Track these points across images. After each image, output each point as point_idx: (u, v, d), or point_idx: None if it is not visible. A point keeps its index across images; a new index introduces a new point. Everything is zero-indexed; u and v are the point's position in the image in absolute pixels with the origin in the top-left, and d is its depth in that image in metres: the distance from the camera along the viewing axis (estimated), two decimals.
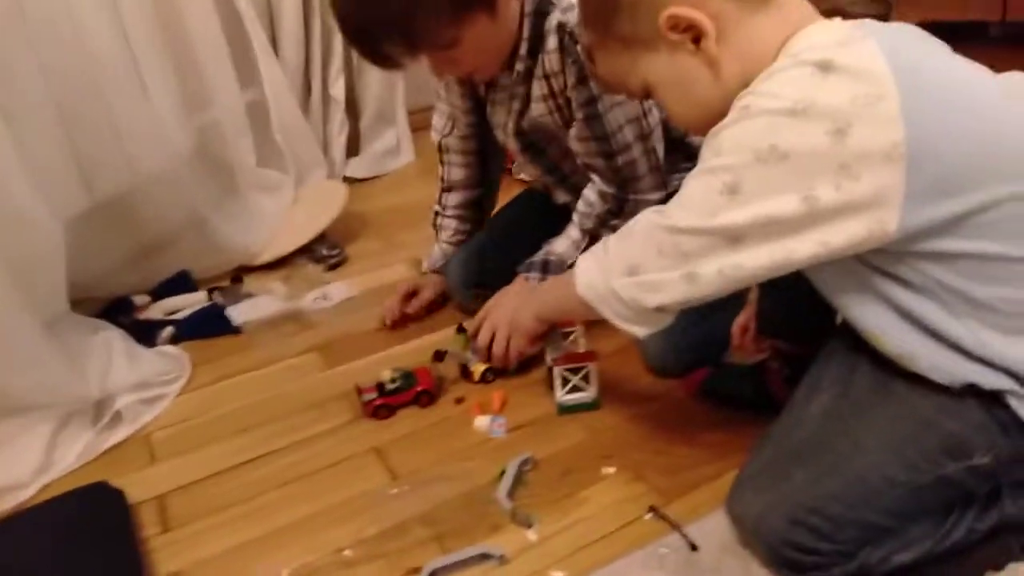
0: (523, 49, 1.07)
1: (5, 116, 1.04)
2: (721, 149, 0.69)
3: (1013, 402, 0.71)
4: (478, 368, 1.13)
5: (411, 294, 1.32)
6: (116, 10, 1.29)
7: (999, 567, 0.78)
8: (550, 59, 1.06)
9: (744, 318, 1.02)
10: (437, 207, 1.37)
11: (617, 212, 1.13)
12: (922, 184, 0.64)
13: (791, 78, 0.66)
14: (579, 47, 1.01)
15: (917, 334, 0.72)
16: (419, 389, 1.10)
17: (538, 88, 1.09)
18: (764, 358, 1.04)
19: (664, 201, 0.78)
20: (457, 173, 1.33)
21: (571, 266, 1.12)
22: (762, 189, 0.67)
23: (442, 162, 1.35)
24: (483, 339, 1.10)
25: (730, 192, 0.68)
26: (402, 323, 1.31)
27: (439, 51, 1.00)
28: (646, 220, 0.78)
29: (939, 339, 0.71)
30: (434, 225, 1.37)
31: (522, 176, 1.65)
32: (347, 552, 0.89)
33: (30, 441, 1.06)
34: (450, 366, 1.18)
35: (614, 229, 1.11)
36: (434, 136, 1.34)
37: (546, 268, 1.15)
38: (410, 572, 0.85)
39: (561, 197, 1.29)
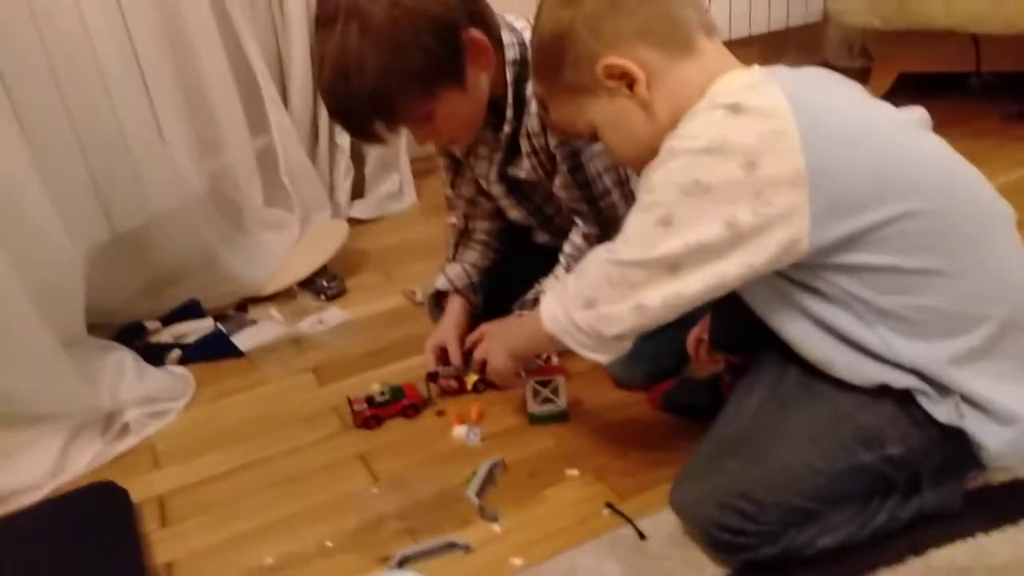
0: (509, 114, 1.15)
1: (35, 151, 1.18)
2: (653, 187, 0.79)
3: (922, 399, 0.78)
4: (471, 378, 1.22)
5: (442, 350, 1.27)
6: (137, 60, 1.43)
7: (919, 553, 0.84)
8: (532, 121, 1.14)
9: (698, 331, 1.10)
10: (455, 235, 1.39)
11: None
12: (824, 204, 0.73)
13: (707, 120, 0.76)
14: (533, 97, 1.11)
15: (832, 341, 0.80)
16: (406, 403, 1.19)
17: (524, 146, 1.18)
18: (720, 371, 1.12)
19: None
20: (487, 205, 1.36)
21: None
22: (691, 219, 0.76)
23: (454, 207, 1.39)
24: (478, 357, 1.13)
25: (664, 224, 0.77)
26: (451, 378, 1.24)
27: (416, 125, 1.09)
28: (597, 257, 0.85)
29: (852, 345, 0.79)
30: (455, 247, 1.39)
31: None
32: (328, 543, 0.97)
33: (44, 448, 1.15)
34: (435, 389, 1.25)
35: None
36: (447, 192, 1.39)
37: (537, 304, 1.23)
38: (383, 559, 0.93)
39: (541, 237, 1.38)
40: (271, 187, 1.82)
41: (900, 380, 0.78)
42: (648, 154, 0.82)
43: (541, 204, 1.30)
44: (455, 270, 1.35)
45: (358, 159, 2.14)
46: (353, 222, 1.98)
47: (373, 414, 1.18)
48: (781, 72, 0.82)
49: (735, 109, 0.74)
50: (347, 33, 0.97)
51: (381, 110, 1.03)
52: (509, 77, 1.13)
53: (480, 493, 1.01)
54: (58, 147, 1.28)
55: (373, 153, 2.15)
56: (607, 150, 0.91)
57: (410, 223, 2.11)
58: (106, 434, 1.21)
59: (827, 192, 0.73)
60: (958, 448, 0.79)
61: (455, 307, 1.32)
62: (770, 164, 0.73)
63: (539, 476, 1.05)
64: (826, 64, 0.85)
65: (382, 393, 1.19)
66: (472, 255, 1.37)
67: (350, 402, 1.20)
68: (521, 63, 1.12)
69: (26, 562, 0.93)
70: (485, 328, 1.14)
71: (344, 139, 2.05)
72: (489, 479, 1.04)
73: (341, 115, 1.07)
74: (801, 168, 0.72)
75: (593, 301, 0.84)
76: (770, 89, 0.76)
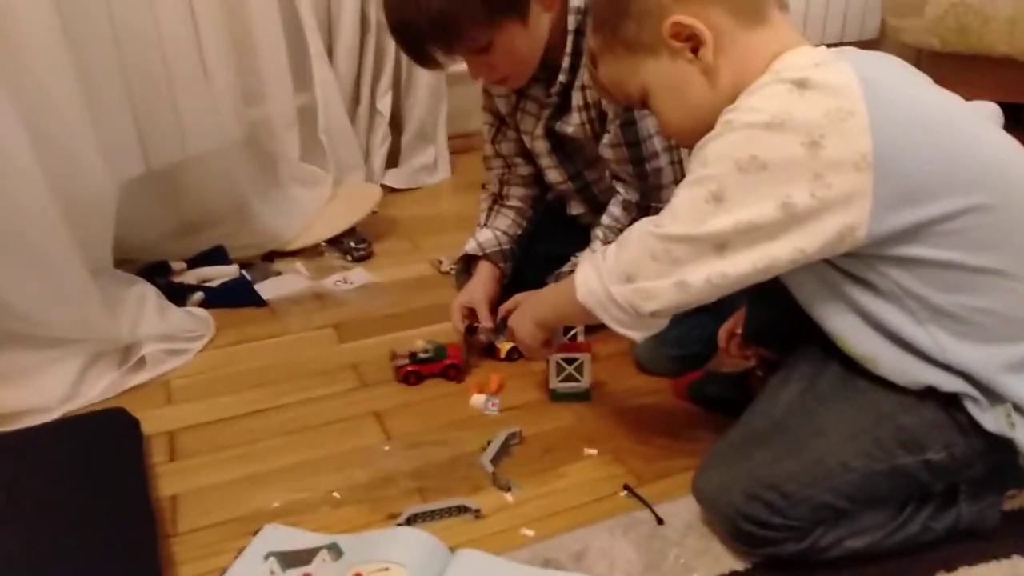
0: (566, 63, 1.14)
1: (81, 77, 1.16)
2: (707, 160, 0.74)
3: (970, 405, 0.74)
4: (504, 346, 1.20)
5: (471, 311, 1.25)
6: (190, 2, 1.42)
7: (951, 569, 0.81)
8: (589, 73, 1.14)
9: (731, 324, 1.06)
10: (488, 201, 1.38)
11: None
12: (888, 192, 0.69)
13: (771, 94, 0.72)
14: (585, 52, 1.08)
15: (880, 339, 0.76)
16: (448, 362, 1.17)
17: (577, 99, 1.17)
18: (751, 366, 1.08)
19: None
20: (524, 169, 1.35)
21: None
22: (744, 197, 0.72)
23: (490, 168, 1.38)
24: (512, 324, 1.09)
25: (715, 200, 0.73)
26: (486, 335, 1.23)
27: (474, 54, 1.09)
28: (640, 229, 0.81)
29: (901, 343, 0.75)
30: (488, 212, 1.37)
31: None
32: (336, 494, 0.95)
33: (60, 372, 1.15)
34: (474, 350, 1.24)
35: None
36: (486, 148, 1.37)
37: None
38: (391, 516, 0.91)
39: (575, 208, 1.36)
40: (308, 143, 1.80)
41: (949, 383, 0.75)
42: (700, 125, 0.78)
43: (582, 168, 1.28)
44: (486, 235, 1.33)
45: (396, 128, 2.13)
46: (385, 189, 1.96)
47: (414, 369, 1.16)
48: (852, 52, 0.78)
49: (802, 84, 0.70)
50: None
51: (443, 30, 1.03)
52: (571, 25, 1.11)
53: (494, 461, 0.99)
54: (102, 73, 1.27)
55: (412, 124, 2.14)
56: (656, 117, 0.86)
57: (442, 197, 2.09)
58: (122, 365, 1.20)
59: (893, 179, 0.69)
60: (1003, 460, 0.76)
61: (484, 270, 1.30)
62: (834, 145, 0.69)
63: (555, 452, 1.02)
64: None
65: (425, 350, 1.17)
66: (504, 222, 1.35)
67: (393, 356, 1.19)
68: (585, 12, 1.10)
69: (34, 478, 0.92)
70: (520, 297, 1.11)
71: (385, 105, 2.04)
72: (504, 449, 1.02)
73: (403, 31, 1.07)
74: (867, 151, 0.68)
75: (633, 275, 0.81)
76: (840, 67, 0.72)
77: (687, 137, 0.84)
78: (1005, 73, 2.16)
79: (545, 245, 1.35)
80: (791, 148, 0.70)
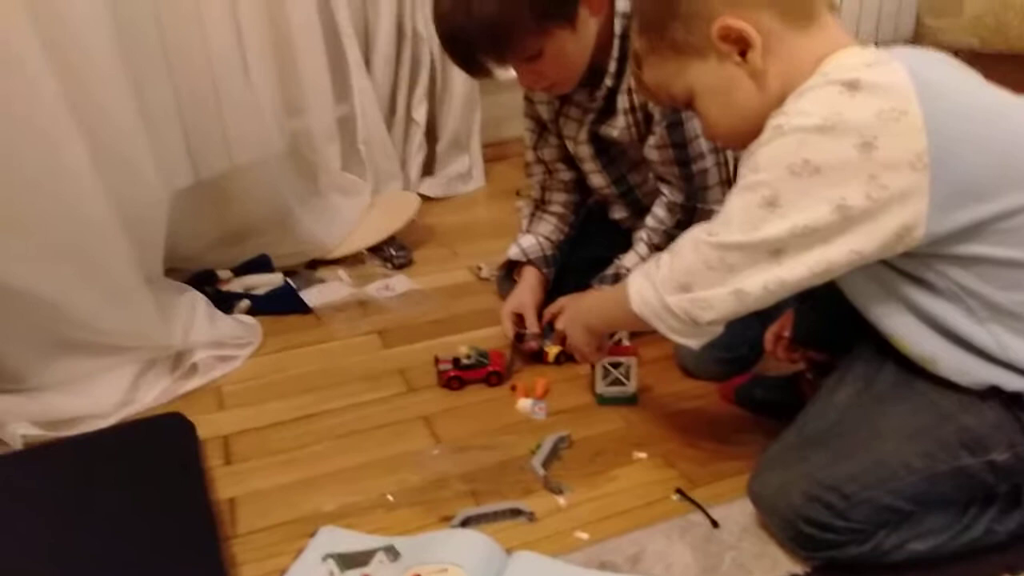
0: (612, 67, 1.15)
1: (135, 88, 1.20)
2: (759, 166, 0.74)
3: None
4: (552, 350, 1.21)
5: (519, 317, 1.26)
6: (235, 16, 1.45)
7: (1015, 572, 0.79)
8: (632, 74, 1.12)
9: (778, 327, 1.05)
10: (529, 207, 1.39)
11: (686, 223, 1.18)
12: (945, 191, 0.69)
13: (820, 97, 0.71)
14: (630, 53, 1.08)
15: (939, 338, 0.76)
16: (491, 369, 1.18)
17: (622, 103, 1.18)
18: (800, 369, 1.08)
19: None
20: (565, 175, 1.36)
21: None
22: (798, 201, 0.71)
23: (532, 174, 1.39)
24: (560, 328, 1.11)
25: (769, 205, 0.73)
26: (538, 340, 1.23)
27: (524, 62, 1.09)
28: (694, 237, 0.81)
29: (961, 343, 0.75)
30: (530, 218, 1.38)
31: None
32: (389, 497, 0.96)
33: (116, 378, 1.17)
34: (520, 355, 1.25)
35: None
36: (528, 155, 1.38)
37: (618, 281, 1.21)
38: (445, 518, 0.92)
39: (618, 212, 1.36)
40: (347, 153, 1.83)
41: (1011, 382, 0.74)
42: (746, 128, 0.78)
43: (626, 172, 1.28)
44: (528, 241, 1.34)
45: (431, 137, 2.15)
46: (421, 198, 1.98)
47: (457, 375, 1.18)
48: (903, 51, 0.77)
49: (853, 86, 0.70)
50: None
51: (495, 40, 1.04)
52: (617, 29, 1.12)
53: (544, 465, 0.99)
54: (154, 87, 1.30)
55: (446, 133, 2.16)
56: (702, 120, 0.85)
57: (477, 205, 2.11)
58: (175, 372, 1.23)
59: (950, 177, 0.69)
60: None
61: (530, 276, 1.31)
62: (888, 145, 0.68)
63: (605, 456, 1.02)
64: None
65: (468, 356, 1.18)
66: (546, 227, 1.36)
67: (437, 361, 1.20)
68: (631, 16, 1.10)
69: (97, 482, 0.94)
70: (565, 301, 1.12)
71: (420, 114, 2.06)
72: (554, 453, 1.02)
73: (455, 42, 1.08)
74: (923, 150, 0.68)
75: (689, 285, 0.80)
76: (892, 66, 0.71)
77: (732, 140, 0.84)
78: None
79: (586, 249, 1.36)
80: (844, 150, 0.69)
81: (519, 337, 1.24)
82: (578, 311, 1.05)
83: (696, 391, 1.16)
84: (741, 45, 0.77)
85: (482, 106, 2.17)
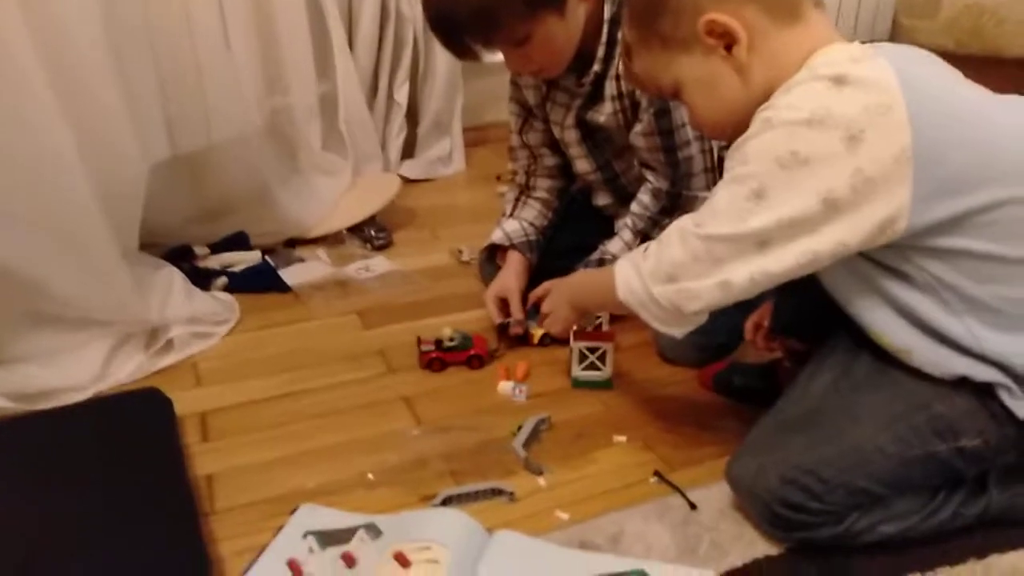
0: (600, 52, 1.16)
1: (117, 59, 1.17)
2: (747, 158, 0.75)
3: (1003, 394, 0.76)
4: (537, 332, 1.22)
5: (503, 301, 1.27)
6: None
7: (981, 556, 0.82)
8: (623, 64, 1.13)
9: (757, 316, 1.07)
10: (514, 192, 1.39)
11: (670, 209, 1.21)
12: (928, 184, 0.70)
13: (808, 91, 0.73)
14: (619, 43, 1.10)
15: (915, 331, 0.78)
16: (472, 352, 1.19)
17: (610, 88, 1.18)
18: (779, 357, 1.10)
19: None
20: (550, 160, 1.37)
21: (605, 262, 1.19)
22: (785, 192, 0.73)
23: (516, 159, 1.40)
24: (545, 310, 1.12)
25: (757, 197, 0.74)
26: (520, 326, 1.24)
27: (512, 46, 1.09)
28: (681, 228, 0.82)
29: (936, 335, 0.77)
30: (514, 203, 1.38)
31: None
32: (369, 475, 0.96)
33: (90, 353, 1.15)
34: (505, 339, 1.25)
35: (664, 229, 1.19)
36: (513, 139, 1.38)
37: (603, 266, 1.22)
38: (425, 498, 0.92)
39: (602, 199, 1.37)
40: (328, 133, 1.82)
41: (983, 373, 0.76)
42: (731, 121, 0.79)
43: (611, 158, 1.29)
44: (512, 225, 1.34)
45: (412, 119, 2.14)
46: (401, 180, 1.96)
47: (438, 356, 1.18)
48: (888, 47, 0.78)
49: (839, 80, 0.71)
50: None
51: (483, 23, 1.04)
52: (607, 14, 1.13)
53: (525, 446, 1.00)
54: (136, 56, 1.27)
55: (428, 115, 2.15)
56: (688, 111, 0.87)
57: (457, 188, 2.10)
58: (150, 347, 1.21)
59: (932, 171, 0.71)
60: None
61: (514, 260, 1.31)
62: (874, 139, 0.70)
63: (586, 438, 1.03)
64: None
65: (451, 339, 1.19)
66: (531, 212, 1.36)
67: (419, 341, 1.20)
68: (620, 3, 1.12)
69: (72, 456, 0.93)
70: (551, 283, 1.12)
71: (402, 95, 2.05)
72: (534, 435, 1.03)
73: (444, 24, 1.08)
74: (907, 144, 0.69)
75: (675, 276, 0.81)
76: (878, 62, 0.73)
77: (717, 132, 0.86)
78: (1019, 74, 2.18)
79: (570, 235, 1.37)
80: (831, 143, 0.71)
81: (502, 328, 1.24)
82: (565, 288, 1.07)
83: (674, 377, 1.18)
84: (727, 39, 0.78)
85: (464, 90, 2.17)
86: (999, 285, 0.75)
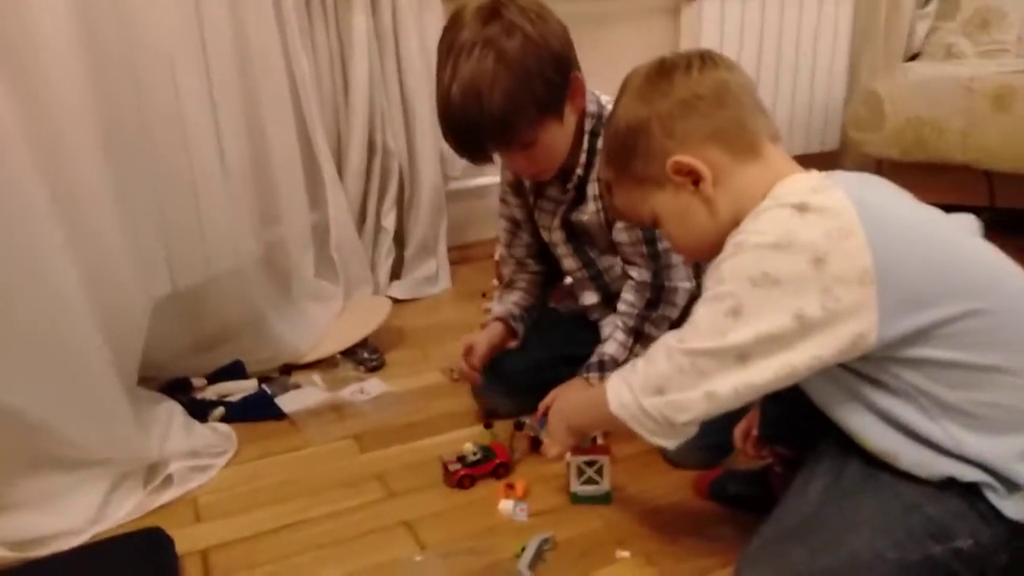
0: (582, 159, 1.27)
1: (118, 199, 1.23)
2: (723, 278, 0.82)
3: (989, 494, 0.79)
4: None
5: (469, 349, 1.40)
6: (217, 129, 1.52)
7: None
8: (604, 198, 1.26)
9: (746, 424, 1.10)
10: (499, 291, 1.53)
11: (655, 302, 1.28)
12: (892, 301, 0.77)
13: (774, 217, 0.81)
14: (600, 181, 1.21)
15: (897, 434, 0.82)
16: (498, 462, 1.21)
17: (592, 189, 1.29)
18: (769, 463, 1.13)
19: (696, 290, 0.92)
20: (534, 268, 1.49)
21: (612, 367, 1.25)
22: (760, 310, 0.79)
23: (505, 266, 1.52)
24: (548, 425, 1.16)
25: (734, 314, 0.80)
26: (468, 377, 1.39)
27: (520, 150, 1.21)
28: (666, 345, 0.87)
29: (918, 439, 0.81)
30: (498, 297, 1.52)
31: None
32: None
33: (87, 494, 1.14)
34: (521, 440, 1.29)
35: (654, 322, 1.26)
36: (501, 251, 1.51)
37: (602, 367, 1.28)
38: None
39: (588, 298, 1.43)
40: (319, 259, 1.88)
41: (967, 474, 0.80)
42: (705, 246, 0.88)
43: (595, 257, 1.38)
44: (497, 307, 1.46)
45: (399, 242, 2.22)
46: (390, 300, 2.02)
47: (467, 473, 1.20)
48: (842, 176, 0.87)
49: (801, 208, 0.79)
50: (483, 59, 1.10)
51: (502, 130, 1.14)
52: (587, 126, 1.26)
53: (531, 567, 1.00)
54: (138, 197, 1.33)
55: (414, 238, 2.23)
56: (667, 239, 0.97)
57: (444, 305, 2.16)
58: (148, 484, 1.21)
59: (894, 289, 0.77)
60: None
61: (494, 325, 1.43)
62: (838, 262, 0.77)
63: (590, 556, 1.04)
64: None
65: (474, 453, 1.21)
66: (515, 295, 1.48)
67: (443, 463, 1.22)
68: (598, 117, 1.25)
69: None
70: (557, 392, 1.16)
71: (389, 221, 2.14)
72: (539, 555, 1.03)
73: (464, 132, 1.17)
74: (868, 267, 0.76)
75: (663, 388, 0.87)
76: (835, 192, 0.81)
77: (694, 255, 0.96)
78: (962, 178, 2.34)
79: (570, 347, 1.41)
80: (799, 265, 0.77)
81: (518, 425, 1.29)
82: (562, 409, 1.11)
83: (671, 487, 1.19)
84: (693, 176, 0.87)
85: (448, 212, 2.27)
86: (969, 390, 0.80)
